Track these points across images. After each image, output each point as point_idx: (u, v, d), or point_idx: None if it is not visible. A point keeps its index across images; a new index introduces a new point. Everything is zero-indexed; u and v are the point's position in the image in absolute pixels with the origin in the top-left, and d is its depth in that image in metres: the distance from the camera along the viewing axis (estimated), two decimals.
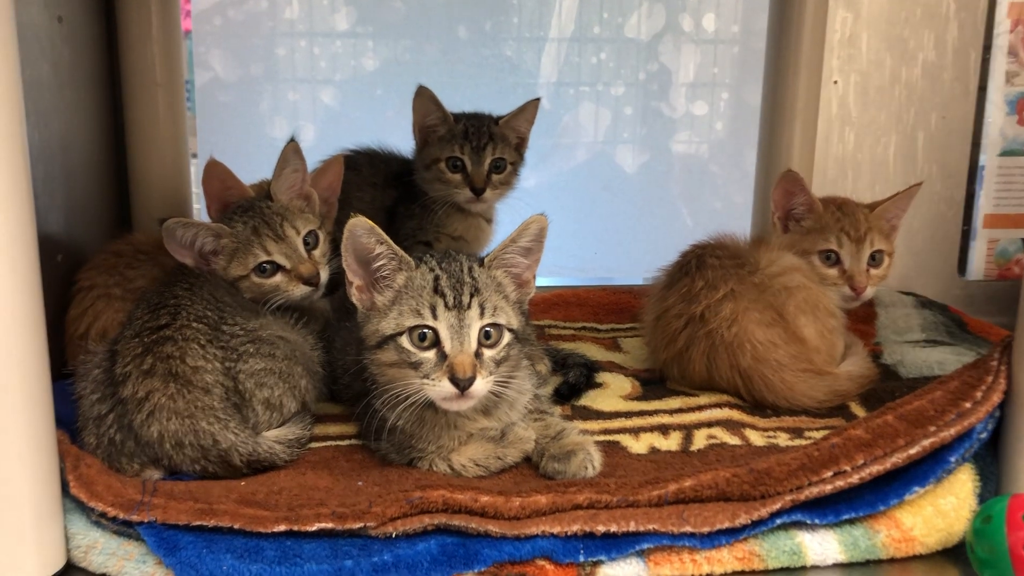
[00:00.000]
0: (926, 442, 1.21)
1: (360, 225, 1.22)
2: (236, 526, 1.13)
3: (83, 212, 1.80)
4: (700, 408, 1.54)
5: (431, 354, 1.22)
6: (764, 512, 1.16)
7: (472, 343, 1.22)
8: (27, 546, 1.09)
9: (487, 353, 1.24)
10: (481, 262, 1.28)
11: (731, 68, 2.47)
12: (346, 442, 1.41)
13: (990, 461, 1.28)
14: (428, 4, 2.32)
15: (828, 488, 1.18)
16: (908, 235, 2.32)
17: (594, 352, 1.84)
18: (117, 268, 1.62)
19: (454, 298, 1.22)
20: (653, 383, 1.67)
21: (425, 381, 1.21)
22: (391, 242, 1.24)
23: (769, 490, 1.19)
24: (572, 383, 1.61)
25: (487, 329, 1.24)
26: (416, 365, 1.22)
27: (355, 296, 1.26)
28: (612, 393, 1.62)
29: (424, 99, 1.89)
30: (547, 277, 2.44)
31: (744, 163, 2.25)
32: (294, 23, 2.28)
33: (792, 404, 1.51)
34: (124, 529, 1.15)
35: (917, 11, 2.21)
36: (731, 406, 1.53)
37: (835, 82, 2.24)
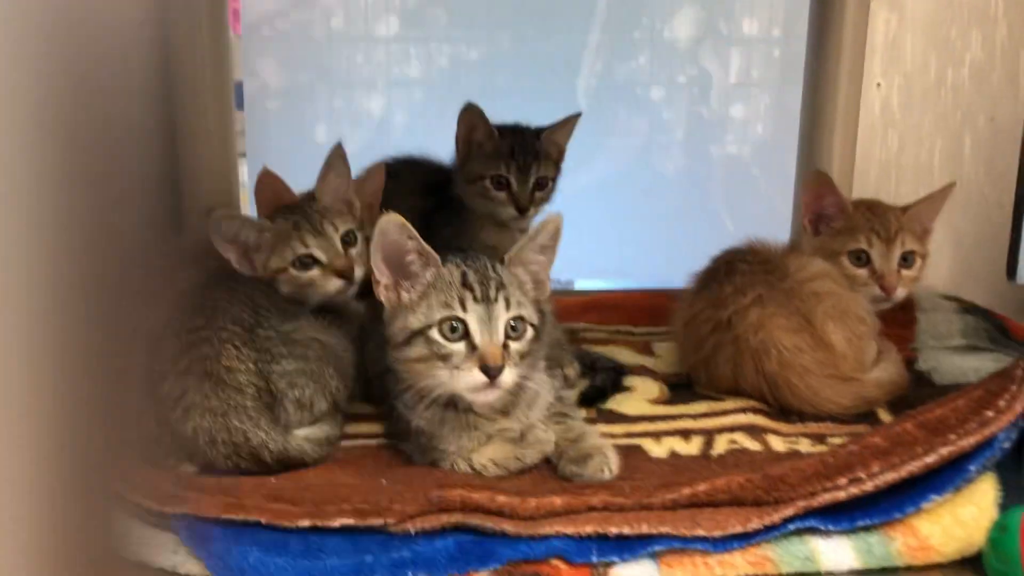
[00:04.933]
0: (944, 451, 1.20)
1: (392, 221, 1.26)
2: (263, 520, 1.18)
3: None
4: (724, 413, 1.54)
5: (461, 345, 1.26)
6: (776, 517, 1.17)
7: (500, 334, 1.26)
8: None
9: (513, 346, 1.28)
10: (501, 260, 1.32)
11: (772, 71, 2.46)
12: (375, 441, 1.46)
13: (1015, 471, 1.27)
14: (469, 11, 2.36)
15: (842, 495, 1.18)
16: (955, 239, 2.29)
17: (626, 356, 1.85)
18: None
19: (482, 291, 1.27)
20: (681, 387, 1.68)
21: (456, 371, 1.26)
22: (420, 239, 1.28)
23: (783, 496, 1.20)
24: (599, 387, 1.64)
25: (512, 322, 1.28)
26: (446, 357, 1.26)
27: (383, 295, 1.31)
28: (639, 397, 1.64)
29: (472, 115, 1.91)
30: (586, 280, 2.47)
31: (786, 167, 2.24)
32: (340, 32, 2.34)
33: (818, 410, 1.51)
34: (159, 520, 1.21)
35: (964, 11, 2.17)
36: (756, 411, 1.54)
37: (878, 85, 2.21)
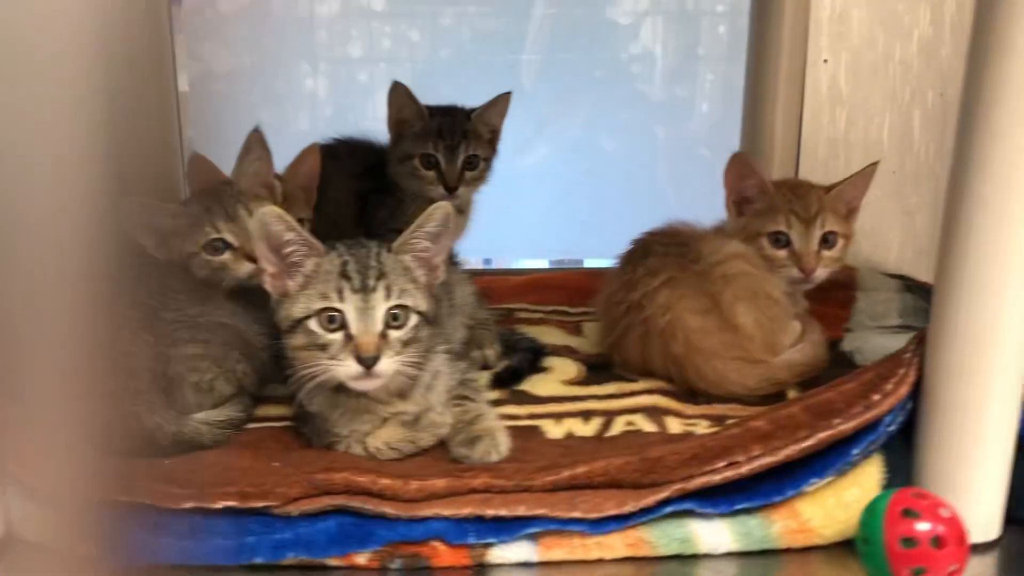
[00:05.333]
0: (823, 435, 1.21)
1: (269, 213, 1.28)
2: (149, 502, 1.21)
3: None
4: (632, 394, 1.55)
5: (338, 336, 1.27)
6: (651, 500, 1.18)
7: (377, 324, 1.27)
8: None
9: (393, 334, 1.29)
10: (389, 247, 1.33)
11: (717, 48, 2.44)
12: (282, 424, 1.48)
13: (902, 454, 1.27)
14: None
15: (717, 479, 1.19)
16: (905, 216, 2.27)
17: (555, 336, 1.86)
18: None
19: (360, 281, 1.28)
20: (600, 368, 1.69)
21: (332, 362, 1.27)
22: (301, 229, 1.30)
23: (660, 479, 1.21)
24: (514, 368, 1.65)
25: (394, 311, 1.29)
26: (324, 346, 1.28)
27: (268, 283, 1.32)
28: (554, 378, 1.65)
29: (399, 94, 1.92)
30: (530, 259, 2.48)
31: (734, 146, 2.22)
32: (282, 13, 2.34)
33: (724, 392, 1.52)
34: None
35: None
36: (663, 392, 1.55)
37: (825, 61, 2.19)
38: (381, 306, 1.28)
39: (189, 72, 2.27)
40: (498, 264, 2.45)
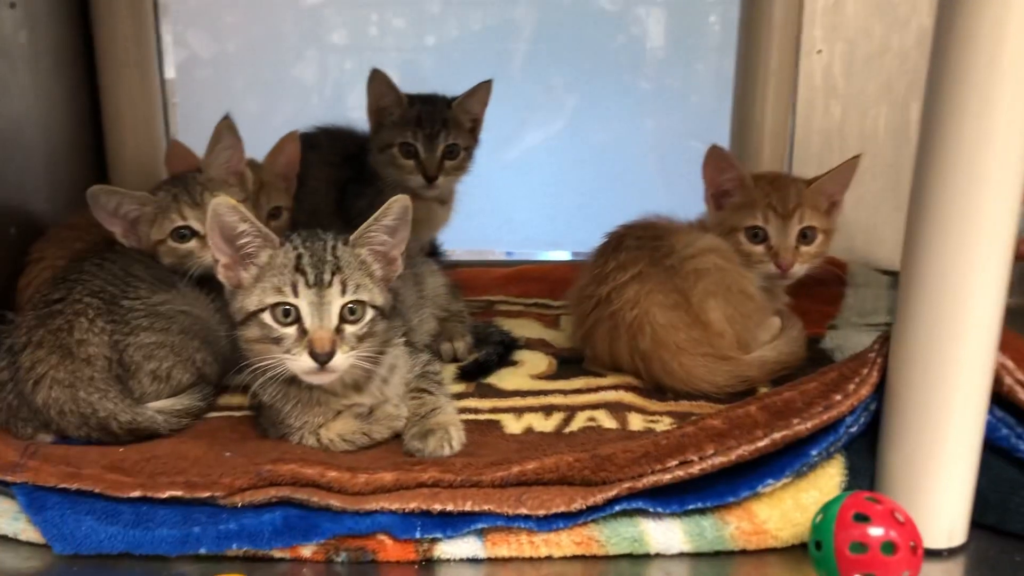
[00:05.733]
0: (778, 435, 1.18)
1: (223, 204, 1.27)
2: (97, 490, 1.20)
3: (54, 187, 1.91)
4: (598, 389, 1.53)
5: (292, 330, 1.26)
6: (599, 498, 1.16)
7: (332, 319, 1.26)
8: None
9: (348, 329, 1.27)
10: (346, 241, 1.31)
11: (708, 38, 2.39)
12: (241, 413, 1.47)
13: (865, 456, 1.24)
14: None
15: (667, 477, 1.17)
16: (901, 211, 2.20)
17: (532, 330, 1.84)
18: (67, 241, 1.72)
19: (315, 276, 1.26)
20: (571, 362, 1.67)
21: (286, 356, 1.26)
22: (255, 220, 1.28)
23: (610, 476, 1.19)
24: (481, 361, 1.63)
25: (349, 306, 1.27)
26: (278, 340, 1.26)
27: (222, 274, 1.31)
28: (523, 372, 1.63)
29: (378, 82, 1.91)
30: (519, 250, 2.46)
31: (724, 138, 2.19)
32: (265, 1, 2.33)
33: (691, 389, 1.49)
34: (2, 488, 1.24)
35: None
36: (629, 388, 1.52)
37: (819, 51, 2.15)
38: (336, 301, 1.26)
39: (175, 58, 2.27)
40: (482, 256, 2.42)
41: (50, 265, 1.68)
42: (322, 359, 1.24)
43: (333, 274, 1.27)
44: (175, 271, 1.55)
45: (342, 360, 1.26)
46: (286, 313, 1.26)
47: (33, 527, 1.19)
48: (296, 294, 1.26)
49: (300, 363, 1.25)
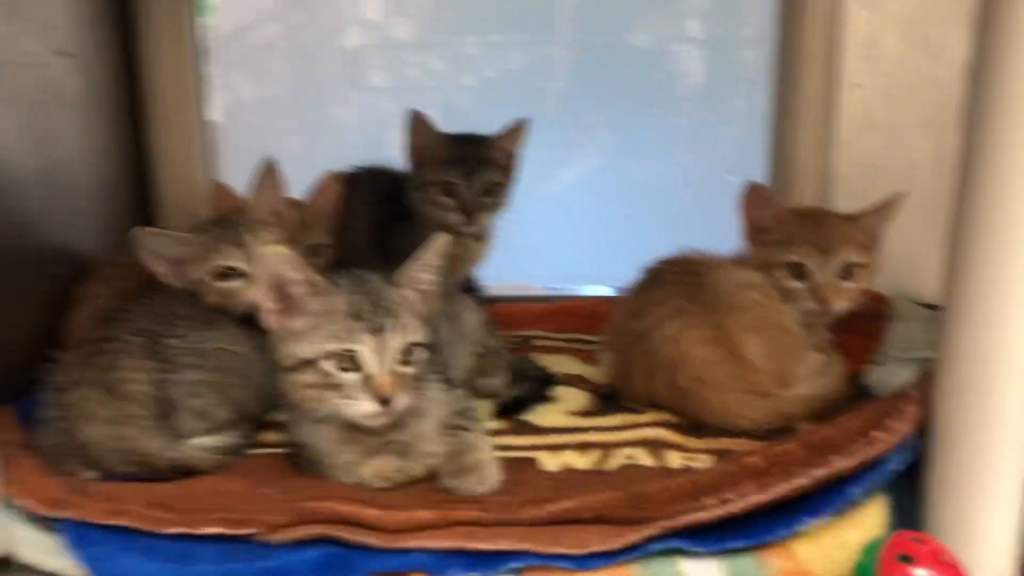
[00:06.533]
0: (818, 472, 1.17)
1: (275, 254, 1.28)
2: (140, 526, 1.22)
3: (101, 228, 1.96)
4: (636, 427, 1.52)
5: (354, 376, 1.27)
6: (636, 537, 1.15)
7: (392, 363, 1.28)
8: None
9: (406, 371, 1.29)
10: (390, 281, 1.33)
11: (743, 73, 2.40)
12: (279, 450, 1.49)
13: (910, 495, 1.22)
14: (436, 20, 2.38)
15: (704, 516, 1.16)
16: (945, 243, 2.18)
17: (569, 365, 1.84)
18: (112, 281, 1.76)
19: (372, 320, 1.28)
20: (609, 399, 1.66)
21: (347, 401, 1.28)
22: (306, 268, 1.29)
23: (648, 515, 1.18)
24: (518, 397, 1.63)
25: (405, 346, 1.29)
26: (339, 387, 1.28)
27: (270, 321, 1.32)
28: (561, 408, 1.63)
29: (417, 123, 1.95)
30: (556, 285, 2.46)
31: (762, 173, 2.18)
32: (310, 44, 2.39)
33: (730, 425, 1.47)
34: (48, 525, 1.27)
35: (945, 7, 2.07)
36: (668, 425, 1.51)
37: (857, 85, 2.13)
38: (394, 344, 1.28)
39: (220, 101, 2.33)
40: (520, 291, 2.43)
41: (96, 305, 1.72)
42: (387, 402, 1.26)
43: (389, 317, 1.28)
44: (218, 310, 1.58)
45: (403, 401, 1.28)
46: (347, 359, 1.27)
47: (78, 563, 1.21)
48: (356, 340, 1.27)
49: (362, 408, 1.27)
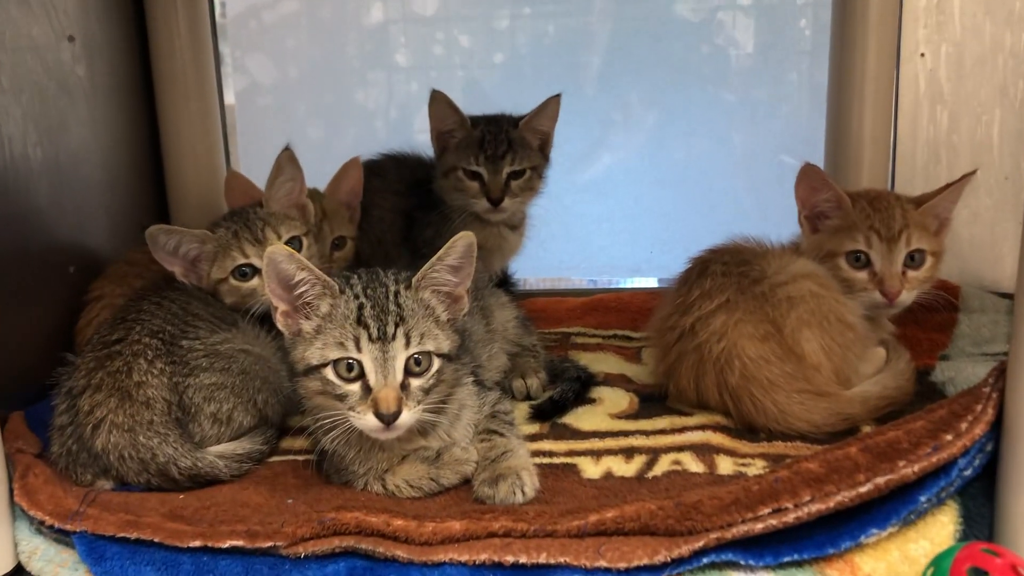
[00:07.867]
0: (881, 480, 1.16)
1: (278, 252, 1.30)
2: (157, 539, 1.25)
3: (113, 221, 1.99)
4: (684, 430, 1.52)
5: (356, 387, 1.29)
6: (685, 550, 1.15)
7: (398, 375, 1.28)
8: None
9: (414, 383, 1.30)
10: (408, 283, 1.33)
11: (798, 44, 2.37)
12: (304, 457, 1.50)
13: (982, 502, 1.20)
14: None
15: (759, 527, 1.15)
16: (1021, 227, 2.15)
17: (611, 364, 1.84)
18: (127, 278, 1.80)
19: (378, 329, 1.28)
20: (654, 400, 1.66)
21: (350, 413, 1.29)
22: (313, 268, 1.31)
23: (697, 526, 1.17)
24: (556, 399, 1.63)
25: (415, 358, 1.29)
26: (342, 397, 1.29)
27: (281, 322, 1.33)
28: (602, 410, 1.63)
29: (439, 104, 1.95)
30: (596, 278, 2.45)
31: (820, 152, 2.16)
32: (328, 22, 2.39)
33: (785, 428, 1.47)
34: (61, 537, 1.30)
35: None
36: (717, 428, 1.51)
37: (922, 55, 2.10)
38: (401, 355, 1.28)
39: (235, 84, 2.35)
40: (558, 284, 2.43)
41: (109, 303, 1.76)
42: (388, 419, 1.27)
43: (397, 326, 1.29)
44: (236, 309, 1.60)
45: (408, 417, 1.28)
46: (349, 368, 1.28)
47: None
48: (359, 349, 1.28)
49: (365, 421, 1.28)
